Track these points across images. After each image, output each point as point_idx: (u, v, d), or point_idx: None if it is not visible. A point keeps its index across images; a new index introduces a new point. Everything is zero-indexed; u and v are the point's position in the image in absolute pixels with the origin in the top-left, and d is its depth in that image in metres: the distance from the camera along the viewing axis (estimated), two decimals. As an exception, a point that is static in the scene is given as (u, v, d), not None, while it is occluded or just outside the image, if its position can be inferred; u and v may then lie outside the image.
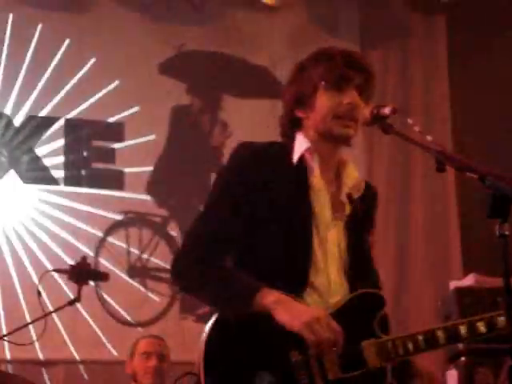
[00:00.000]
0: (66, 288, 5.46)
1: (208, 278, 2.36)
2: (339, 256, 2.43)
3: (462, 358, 4.34)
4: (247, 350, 2.26)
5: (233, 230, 2.38)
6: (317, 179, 2.42)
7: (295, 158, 2.42)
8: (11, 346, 5.30)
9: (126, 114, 6.22)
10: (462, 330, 2.33)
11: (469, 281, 4.52)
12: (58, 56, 6.13)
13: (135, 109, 6.21)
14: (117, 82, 6.20)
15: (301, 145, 2.44)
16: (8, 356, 5.53)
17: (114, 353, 5.77)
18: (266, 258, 2.35)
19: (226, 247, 2.40)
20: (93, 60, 6.17)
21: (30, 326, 4.34)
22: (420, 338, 2.33)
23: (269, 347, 2.27)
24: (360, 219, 2.47)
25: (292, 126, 2.49)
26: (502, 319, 2.33)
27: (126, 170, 6.19)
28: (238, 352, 2.26)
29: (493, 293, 4.12)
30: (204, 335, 2.28)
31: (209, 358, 2.27)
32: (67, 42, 6.15)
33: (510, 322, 2.02)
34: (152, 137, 6.25)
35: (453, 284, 4.57)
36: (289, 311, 2.25)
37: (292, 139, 2.47)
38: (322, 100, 2.41)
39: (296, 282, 2.34)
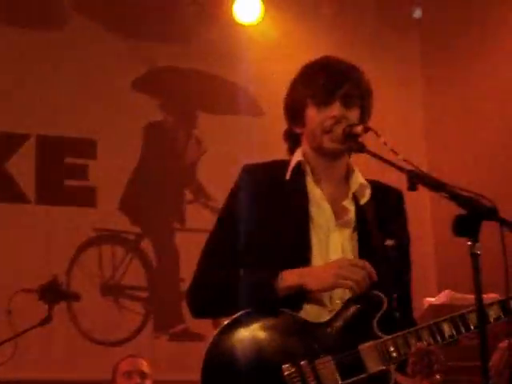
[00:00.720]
0: (37, 307, 5.39)
1: (222, 283, 2.39)
2: None
3: (438, 376, 4.31)
4: (240, 369, 2.25)
5: (232, 251, 2.42)
6: (313, 189, 2.44)
7: (288, 172, 2.47)
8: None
9: (99, 130, 6.17)
10: (472, 317, 2.29)
11: (443, 298, 4.52)
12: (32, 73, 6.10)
13: (110, 127, 6.18)
14: (92, 100, 6.16)
15: (295, 159, 2.49)
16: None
17: (87, 372, 5.70)
18: (265, 269, 2.36)
19: (229, 267, 2.42)
20: (67, 76, 6.14)
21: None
22: (424, 332, 2.29)
23: (261, 363, 2.26)
24: (373, 223, 2.44)
25: (293, 141, 2.55)
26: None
27: (99, 186, 6.13)
28: (231, 374, 2.26)
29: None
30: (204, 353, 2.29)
31: (205, 380, 2.28)
32: (41, 58, 6.11)
33: (482, 339, 2.01)
34: (126, 156, 6.21)
35: (427, 301, 4.57)
36: (314, 277, 2.29)
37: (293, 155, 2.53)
38: (310, 116, 2.43)
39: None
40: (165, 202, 6.33)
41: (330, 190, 2.48)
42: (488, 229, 2.08)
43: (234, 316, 2.31)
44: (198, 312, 2.49)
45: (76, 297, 4.21)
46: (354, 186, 2.49)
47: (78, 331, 5.83)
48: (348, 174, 2.51)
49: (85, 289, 5.78)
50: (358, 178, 2.50)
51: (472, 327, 2.30)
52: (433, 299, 4.62)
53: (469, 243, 2.02)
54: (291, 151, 2.56)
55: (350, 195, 2.48)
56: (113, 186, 6.17)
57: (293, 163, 2.49)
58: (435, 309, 4.36)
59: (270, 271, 2.33)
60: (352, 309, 2.33)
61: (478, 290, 2.01)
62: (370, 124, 2.47)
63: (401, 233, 2.52)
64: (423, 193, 2.23)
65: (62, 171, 6.13)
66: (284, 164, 2.51)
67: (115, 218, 6.14)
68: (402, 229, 2.53)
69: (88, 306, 5.73)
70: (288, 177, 2.47)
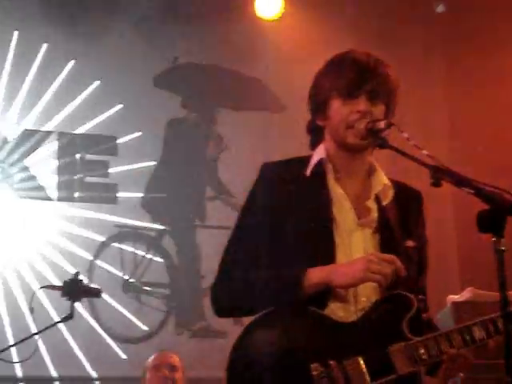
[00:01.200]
0: (51, 308, 5.46)
1: (246, 282, 2.37)
2: None
3: (461, 374, 4.28)
4: (267, 369, 2.23)
5: (255, 250, 2.40)
6: (334, 188, 2.42)
7: (308, 170, 2.44)
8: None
9: (120, 127, 6.18)
10: (500, 323, 2.27)
11: (466, 295, 4.48)
12: (62, 75, 6.12)
13: (133, 127, 6.18)
14: (111, 95, 6.17)
15: (316, 156, 2.47)
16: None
17: (109, 369, 5.72)
18: (289, 268, 2.34)
19: (252, 265, 2.40)
20: (97, 82, 6.15)
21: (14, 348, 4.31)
22: (455, 335, 2.27)
23: (288, 362, 2.22)
24: (395, 224, 2.41)
25: (315, 135, 2.52)
26: None
27: (120, 183, 6.14)
28: (258, 373, 2.23)
29: (490, 307, 4.07)
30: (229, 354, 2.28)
31: (231, 379, 2.27)
32: (72, 62, 6.14)
33: (507, 337, 1.98)
34: (148, 157, 6.21)
35: (450, 298, 4.53)
36: (341, 273, 2.26)
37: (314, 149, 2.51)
38: (335, 109, 2.40)
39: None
40: (186, 198, 6.33)
41: (352, 188, 2.45)
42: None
43: (260, 314, 2.29)
44: (223, 311, 2.47)
45: (98, 293, 4.21)
46: (377, 187, 2.46)
47: (99, 328, 5.84)
48: (370, 172, 2.49)
49: (106, 286, 5.81)
50: (382, 179, 2.47)
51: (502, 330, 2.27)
52: (456, 296, 4.59)
53: (493, 239, 1.98)
54: (313, 145, 2.54)
55: (373, 196, 2.45)
56: (134, 183, 6.17)
57: (314, 160, 2.46)
58: (458, 306, 4.32)
59: (295, 269, 2.31)
60: (381, 309, 2.30)
61: (503, 287, 1.98)
62: (394, 121, 2.44)
63: (420, 234, 2.50)
64: (446, 190, 2.20)
65: (83, 168, 6.14)
66: (304, 161, 2.49)
67: (136, 215, 6.14)
68: (421, 230, 2.51)
69: (110, 302, 5.74)
70: (308, 174, 2.44)
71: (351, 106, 2.38)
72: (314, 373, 2.20)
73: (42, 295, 5.33)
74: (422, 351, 2.24)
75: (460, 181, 2.13)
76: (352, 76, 2.38)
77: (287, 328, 2.27)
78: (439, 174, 2.14)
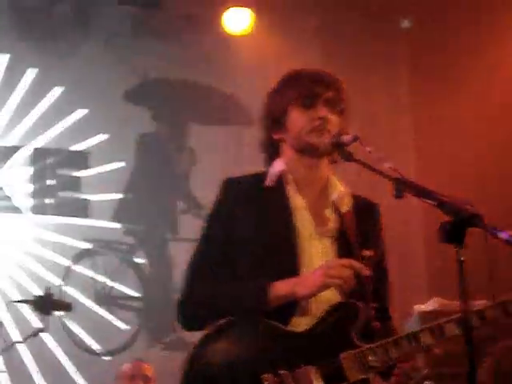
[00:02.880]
0: (31, 318, 5.41)
1: (211, 296, 2.40)
2: None
3: (427, 383, 4.33)
4: (219, 379, 2.26)
5: (218, 264, 2.43)
6: (294, 198, 2.47)
7: (267, 182, 2.48)
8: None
9: (92, 141, 6.20)
10: (449, 326, 2.31)
11: (432, 305, 4.55)
12: (24, 85, 6.11)
13: (101, 136, 6.20)
14: (82, 110, 6.19)
15: (275, 168, 2.51)
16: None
17: (81, 383, 5.71)
18: (254, 280, 2.37)
19: (216, 280, 2.43)
20: (59, 89, 6.16)
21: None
22: (403, 341, 2.31)
23: (240, 373, 2.26)
24: (352, 234, 2.46)
25: (272, 151, 2.56)
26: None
27: (92, 198, 6.15)
28: (210, 383, 2.27)
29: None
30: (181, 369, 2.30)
31: None
32: (33, 70, 6.14)
33: (468, 344, 2.03)
34: (117, 164, 6.24)
35: (416, 308, 4.59)
36: (303, 283, 2.31)
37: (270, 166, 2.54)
38: (294, 118, 2.46)
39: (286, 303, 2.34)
40: (158, 212, 6.35)
41: (311, 198, 2.49)
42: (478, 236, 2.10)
43: (214, 326, 2.31)
44: (189, 325, 2.47)
45: (69, 307, 4.22)
46: (333, 194, 2.51)
47: (71, 341, 5.83)
48: (327, 183, 2.53)
49: (79, 299, 5.81)
50: (337, 186, 2.53)
51: (448, 335, 2.33)
52: (422, 306, 4.65)
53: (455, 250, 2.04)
54: (269, 162, 2.57)
55: (331, 203, 2.50)
56: (105, 196, 6.18)
57: (274, 172, 2.50)
58: (424, 315, 4.38)
59: (259, 282, 2.34)
60: (332, 318, 2.34)
61: (464, 297, 2.02)
62: (360, 133, 2.49)
63: (378, 244, 2.54)
64: (414, 201, 2.25)
65: (54, 182, 6.14)
66: (264, 175, 2.52)
67: (108, 229, 6.15)
68: (378, 240, 2.56)
69: (82, 316, 5.74)
70: (269, 185, 2.48)
71: (310, 114, 2.44)
72: (266, 383, 2.23)
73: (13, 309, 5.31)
74: (372, 358, 2.29)
75: (422, 193, 2.17)
76: (310, 86, 2.45)
77: (239, 339, 2.31)
78: (402, 186, 2.19)
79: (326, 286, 2.31)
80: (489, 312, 2.36)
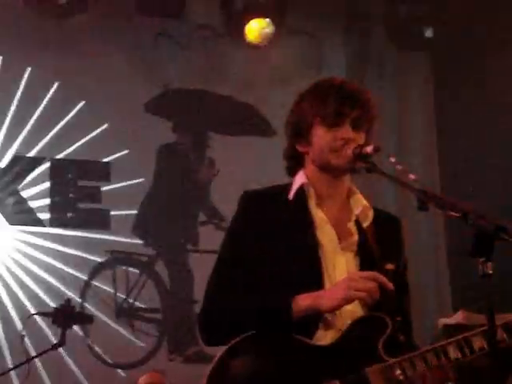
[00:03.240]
0: (49, 332, 5.40)
1: (234, 310, 2.37)
2: None
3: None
4: None
5: (241, 279, 2.41)
6: (316, 212, 2.44)
7: (290, 195, 2.46)
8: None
9: (114, 155, 6.19)
10: (477, 340, 2.27)
11: (457, 318, 4.49)
12: (47, 97, 6.12)
13: (123, 150, 6.20)
14: (105, 124, 6.19)
15: (297, 182, 2.48)
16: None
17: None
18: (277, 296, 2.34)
19: (238, 294, 2.41)
20: (82, 102, 6.16)
21: (13, 372, 4.26)
22: (430, 355, 2.26)
23: None
24: (374, 247, 2.43)
25: (294, 161, 2.53)
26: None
27: (113, 210, 6.14)
28: None
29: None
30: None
31: None
32: (56, 84, 6.14)
33: (494, 356, 1.99)
34: (139, 179, 6.22)
35: (441, 321, 4.54)
36: (327, 296, 2.28)
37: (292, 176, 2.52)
38: (318, 136, 2.43)
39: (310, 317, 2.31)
40: (178, 223, 6.33)
41: (333, 212, 2.47)
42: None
43: (238, 339, 2.28)
44: (211, 340, 2.44)
45: (89, 320, 4.20)
46: (356, 208, 2.48)
47: (91, 355, 5.81)
48: (350, 195, 2.51)
49: (99, 312, 5.79)
50: (361, 200, 2.50)
51: (476, 349, 2.28)
52: (448, 319, 4.59)
53: (480, 264, 2.00)
54: (290, 171, 2.55)
55: (353, 217, 2.48)
56: (126, 209, 6.17)
57: (295, 186, 2.48)
58: (449, 329, 4.33)
59: (283, 296, 2.31)
60: (357, 331, 2.31)
61: (490, 310, 1.99)
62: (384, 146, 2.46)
63: (399, 257, 2.51)
64: (438, 215, 2.22)
65: (75, 194, 6.14)
66: (285, 188, 2.50)
67: (129, 241, 6.14)
68: (400, 254, 2.52)
69: (102, 328, 5.72)
70: (291, 199, 2.46)
71: (335, 133, 2.41)
72: None
73: (39, 319, 5.30)
74: (399, 372, 2.25)
75: (446, 205, 2.14)
76: (336, 104, 2.40)
77: (263, 353, 2.28)
78: (425, 198, 2.16)
79: (349, 299, 2.28)
80: None
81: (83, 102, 6.18)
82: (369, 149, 2.37)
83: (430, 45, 6.65)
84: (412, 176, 2.25)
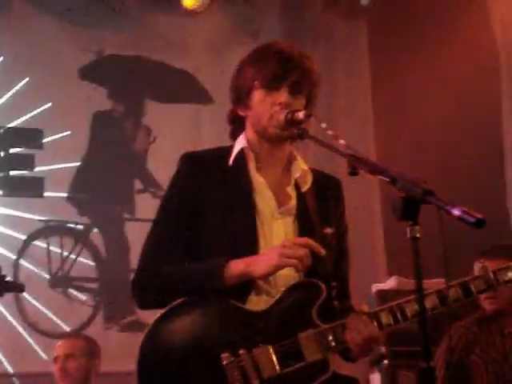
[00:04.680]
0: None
1: (168, 274, 2.35)
2: None
3: (385, 361, 4.36)
4: (177, 359, 2.24)
5: (176, 240, 2.39)
6: (255, 177, 2.43)
7: (230, 159, 2.44)
8: None
9: (45, 119, 6.07)
10: (410, 306, 2.29)
11: (391, 283, 4.57)
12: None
13: (55, 115, 6.08)
14: (36, 87, 6.06)
15: (237, 145, 2.47)
16: None
17: (35, 365, 5.62)
18: (212, 259, 2.33)
19: (174, 257, 2.39)
20: (12, 64, 6.02)
21: None
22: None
23: (199, 353, 2.24)
24: (313, 211, 2.43)
25: (236, 125, 2.52)
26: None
27: (46, 177, 6.03)
28: (168, 364, 2.25)
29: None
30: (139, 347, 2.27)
31: (142, 369, 2.27)
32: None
33: (422, 325, 2.01)
34: (71, 138, 6.11)
35: (375, 286, 4.61)
36: (259, 263, 2.26)
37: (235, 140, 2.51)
38: (256, 100, 2.41)
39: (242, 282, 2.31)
40: (114, 191, 6.27)
41: (272, 176, 2.46)
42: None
43: (171, 305, 2.28)
44: (144, 304, 2.43)
45: (21, 288, 4.13)
46: (296, 173, 2.48)
47: (25, 323, 5.74)
48: (290, 160, 2.50)
49: (33, 281, 5.71)
50: (301, 165, 2.49)
51: (409, 316, 2.31)
52: (381, 285, 4.67)
53: (408, 227, 2.01)
54: (233, 135, 2.54)
55: (293, 182, 2.47)
56: (60, 176, 6.07)
57: (236, 150, 2.47)
58: (383, 294, 4.40)
59: (216, 261, 2.30)
60: (291, 297, 2.31)
61: (418, 275, 1.99)
62: (318, 111, 2.45)
63: (339, 221, 2.51)
64: (373, 179, 2.22)
65: (7, 161, 6.01)
66: (226, 151, 2.48)
67: (63, 209, 6.05)
68: (340, 217, 2.53)
69: (36, 297, 5.65)
70: (231, 164, 2.45)
71: (273, 98, 2.39)
72: (225, 362, 2.22)
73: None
74: (331, 338, 2.27)
75: (376, 170, 2.15)
76: (275, 68, 2.38)
77: (198, 318, 2.28)
78: (356, 163, 2.16)
79: (281, 266, 2.27)
80: (449, 292, 2.34)
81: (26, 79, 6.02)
82: (300, 114, 2.36)
83: (366, 13, 6.68)
84: (342, 141, 2.25)
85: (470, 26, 6.31)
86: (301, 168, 2.48)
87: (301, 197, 2.45)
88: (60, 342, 4.49)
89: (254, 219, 2.38)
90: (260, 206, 2.40)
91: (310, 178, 2.48)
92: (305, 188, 2.46)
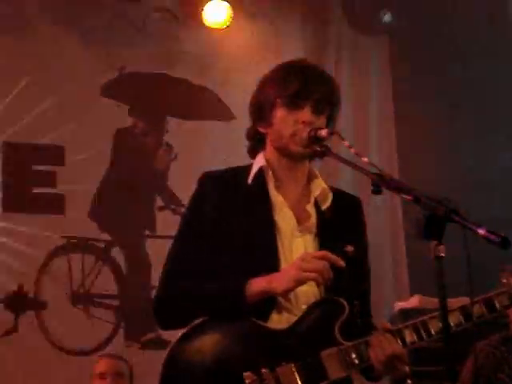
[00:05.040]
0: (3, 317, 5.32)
1: (189, 294, 2.36)
2: None
3: (409, 382, 4.30)
4: (200, 378, 2.23)
5: (197, 259, 2.39)
6: (275, 195, 2.42)
7: (250, 178, 2.44)
8: None
9: (67, 136, 6.10)
10: (433, 323, 2.28)
11: (413, 302, 4.54)
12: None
13: (77, 132, 6.10)
14: (58, 105, 6.09)
15: (256, 164, 2.47)
16: None
17: (57, 383, 5.62)
18: (233, 277, 2.33)
19: (195, 275, 2.39)
20: (34, 82, 6.05)
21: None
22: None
23: (221, 372, 2.23)
24: (334, 229, 2.42)
25: (256, 142, 2.52)
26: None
27: (67, 194, 6.04)
28: (190, 382, 2.24)
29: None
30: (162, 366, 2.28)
31: None
32: (7, 65, 6.02)
33: (446, 342, 1.99)
34: (95, 164, 6.14)
35: (397, 305, 4.58)
36: (281, 278, 2.26)
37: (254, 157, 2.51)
38: (279, 118, 2.42)
39: (263, 300, 2.29)
40: (135, 208, 6.27)
41: (292, 194, 2.47)
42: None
43: (193, 324, 2.28)
44: (166, 323, 2.45)
45: (43, 305, 4.14)
46: (316, 191, 2.47)
47: (46, 341, 5.73)
48: (310, 178, 2.50)
49: (54, 298, 5.71)
50: (321, 183, 2.49)
51: (433, 333, 2.29)
52: (403, 303, 4.63)
53: (433, 246, 1.99)
54: (252, 151, 2.55)
55: (312, 200, 2.47)
56: (81, 193, 6.08)
57: (255, 169, 2.47)
58: (405, 313, 4.37)
59: (237, 281, 2.30)
60: (313, 314, 2.30)
61: (442, 293, 1.99)
62: (341, 127, 2.45)
63: (360, 239, 2.51)
64: (396, 198, 2.22)
65: (29, 178, 6.04)
66: (245, 170, 2.49)
67: (84, 226, 6.05)
68: (360, 235, 2.53)
69: (57, 315, 5.64)
70: (250, 183, 2.44)
71: (295, 116, 2.40)
72: (247, 381, 2.21)
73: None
74: (354, 356, 2.25)
75: (400, 188, 2.14)
76: (298, 86, 2.39)
77: (220, 337, 2.28)
78: (379, 181, 2.16)
79: (301, 280, 2.26)
80: (473, 308, 2.32)
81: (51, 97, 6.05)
82: (323, 132, 2.39)
83: (388, 30, 6.66)
84: (365, 159, 2.25)
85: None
86: (321, 186, 2.49)
87: (321, 215, 2.45)
88: (103, 360, 4.53)
89: (275, 237, 2.38)
90: (280, 225, 2.40)
91: (330, 196, 2.48)
92: (325, 206, 2.47)
